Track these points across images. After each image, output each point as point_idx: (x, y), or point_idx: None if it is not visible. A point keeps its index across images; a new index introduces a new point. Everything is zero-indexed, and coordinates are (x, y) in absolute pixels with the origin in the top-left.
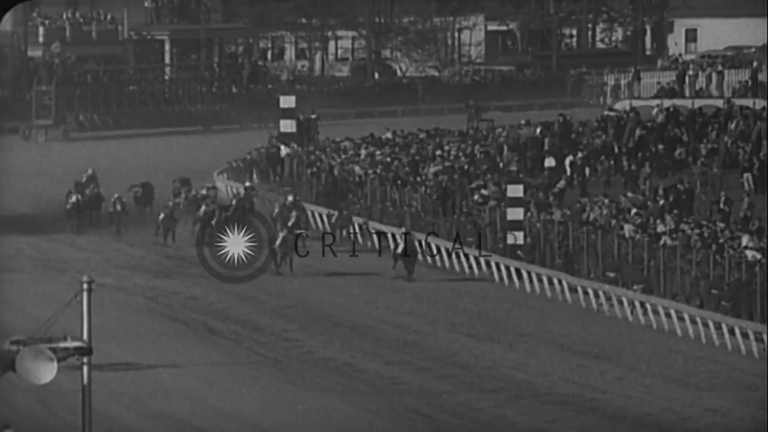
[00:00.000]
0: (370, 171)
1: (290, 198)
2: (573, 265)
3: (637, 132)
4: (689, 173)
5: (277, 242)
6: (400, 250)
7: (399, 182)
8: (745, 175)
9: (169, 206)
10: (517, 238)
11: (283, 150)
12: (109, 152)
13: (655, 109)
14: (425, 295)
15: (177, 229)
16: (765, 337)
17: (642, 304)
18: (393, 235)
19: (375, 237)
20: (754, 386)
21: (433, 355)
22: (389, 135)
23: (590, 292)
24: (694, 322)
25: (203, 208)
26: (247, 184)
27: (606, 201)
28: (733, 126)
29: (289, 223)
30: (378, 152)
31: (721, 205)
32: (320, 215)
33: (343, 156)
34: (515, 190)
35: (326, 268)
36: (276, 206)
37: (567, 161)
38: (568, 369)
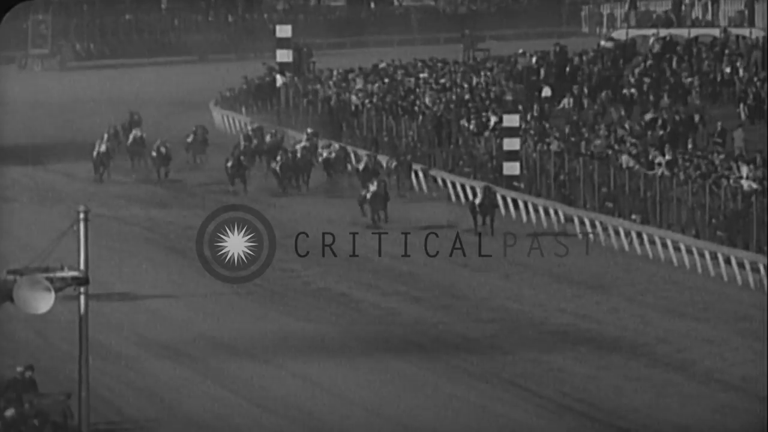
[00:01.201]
0: (366, 101)
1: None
2: (570, 196)
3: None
4: (685, 104)
5: (368, 195)
6: (478, 201)
7: (397, 112)
8: (741, 105)
9: (236, 153)
10: (514, 168)
11: (279, 80)
12: (105, 82)
13: (652, 39)
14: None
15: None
16: (761, 267)
17: (638, 235)
18: (472, 188)
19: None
20: (750, 317)
21: (429, 286)
22: (384, 65)
23: (587, 222)
24: (689, 252)
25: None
26: (309, 130)
27: (603, 131)
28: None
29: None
30: (374, 83)
31: (716, 137)
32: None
33: (341, 85)
34: (511, 120)
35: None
36: (363, 159)
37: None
38: (564, 299)
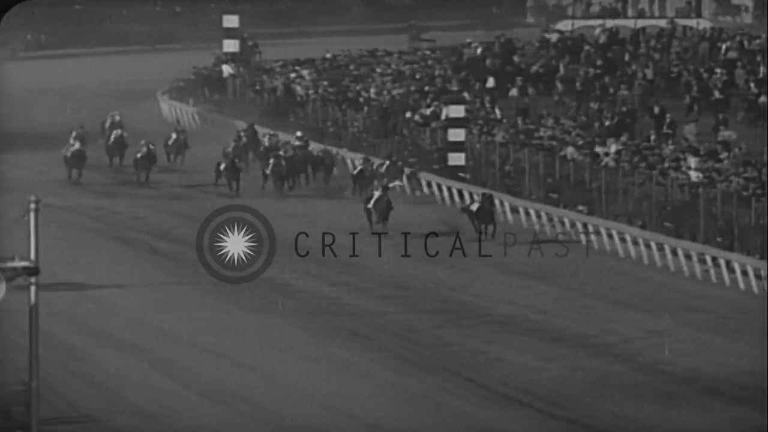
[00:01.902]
0: (311, 91)
1: (387, 162)
2: (515, 187)
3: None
4: (632, 95)
5: (371, 202)
6: (474, 208)
7: (342, 103)
8: (687, 96)
9: (229, 153)
10: (459, 159)
11: (226, 70)
12: (57, 72)
13: (598, 30)
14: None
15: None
16: (708, 258)
17: (584, 225)
18: (470, 194)
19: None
20: (696, 308)
21: (375, 276)
22: (330, 55)
23: (532, 212)
24: (636, 243)
25: (272, 160)
26: (299, 133)
27: (551, 122)
28: (676, 46)
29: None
30: (317, 73)
31: (665, 128)
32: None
33: (287, 76)
34: (457, 111)
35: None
36: (358, 164)
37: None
38: (509, 290)
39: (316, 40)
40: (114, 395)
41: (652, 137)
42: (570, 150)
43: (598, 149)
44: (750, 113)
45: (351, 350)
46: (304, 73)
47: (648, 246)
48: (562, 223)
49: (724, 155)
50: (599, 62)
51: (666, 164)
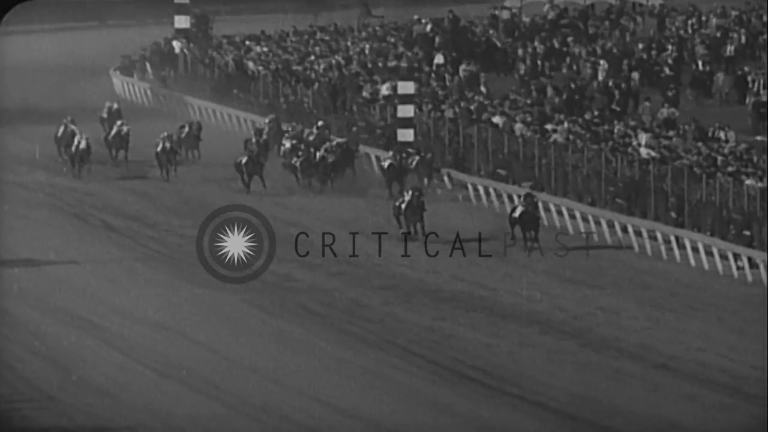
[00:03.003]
0: (260, 68)
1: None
2: (463, 163)
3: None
4: (583, 72)
5: (403, 206)
6: (517, 213)
7: (293, 79)
8: (633, 73)
9: (253, 147)
10: (407, 135)
11: (177, 46)
12: (7, 49)
13: (546, 6)
14: (317, 193)
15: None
16: (658, 234)
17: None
18: (509, 196)
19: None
20: (647, 285)
21: (327, 254)
22: (281, 32)
23: (480, 189)
24: (585, 219)
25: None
26: (320, 122)
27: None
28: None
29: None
30: (269, 49)
31: (614, 106)
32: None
33: (237, 52)
34: (406, 87)
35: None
36: (385, 162)
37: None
38: (458, 267)
39: (267, 17)
40: (70, 372)
41: (604, 114)
42: (519, 126)
43: (548, 126)
44: (696, 90)
45: (302, 326)
46: (257, 49)
47: (598, 223)
48: (511, 199)
49: (671, 133)
50: (548, 40)
51: (616, 141)
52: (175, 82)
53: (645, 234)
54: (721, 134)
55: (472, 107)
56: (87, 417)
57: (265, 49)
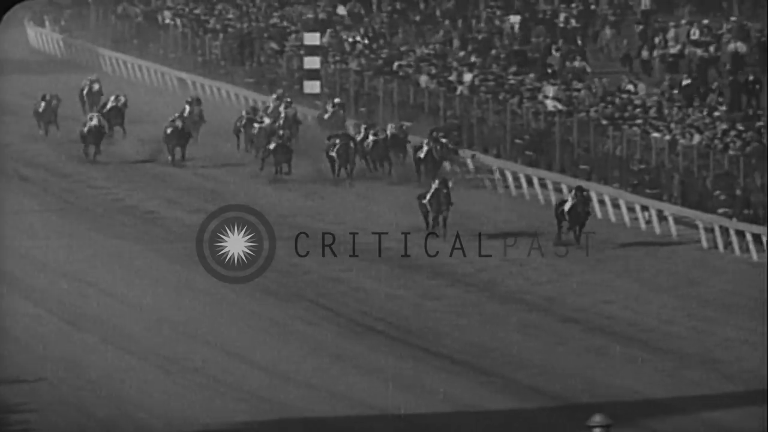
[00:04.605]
0: (171, 20)
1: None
2: (371, 114)
3: None
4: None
5: (428, 196)
6: (567, 207)
7: (201, 29)
8: (539, 27)
9: (285, 133)
10: (314, 87)
11: None
12: None
13: None
14: (229, 142)
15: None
16: (564, 187)
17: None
18: (555, 185)
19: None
20: (552, 235)
21: (234, 202)
22: None
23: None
24: (491, 171)
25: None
26: (337, 100)
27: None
28: None
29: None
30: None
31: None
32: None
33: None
34: (312, 38)
35: None
36: (424, 146)
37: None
38: (367, 219)
39: None
40: None
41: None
42: (424, 78)
43: (452, 77)
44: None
45: (211, 278)
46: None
47: (503, 175)
48: (416, 150)
49: (579, 85)
50: None
51: (521, 93)
52: (87, 31)
53: (550, 186)
54: (630, 87)
55: (376, 58)
56: None
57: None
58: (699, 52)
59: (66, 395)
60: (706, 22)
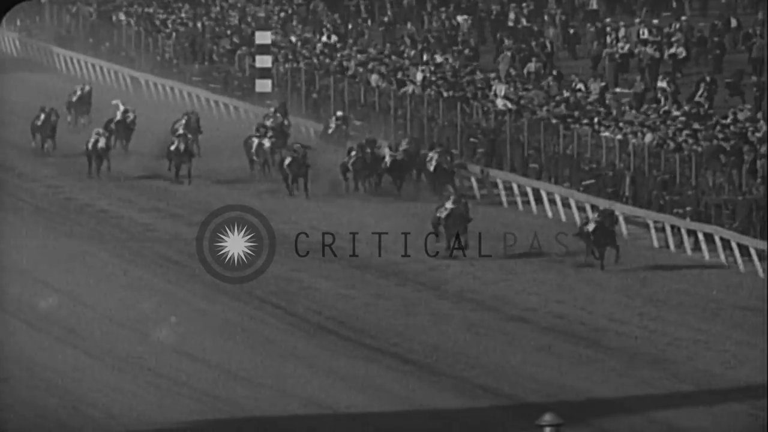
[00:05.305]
0: (124, 18)
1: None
2: (320, 112)
3: None
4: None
5: (444, 215)
6: (591, 227)
7: (154, 29)
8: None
9: (299, 149)
10: (265, 86)
11: None
12: None
13: None
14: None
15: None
16: (514, 186)
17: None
18: (578, 205)
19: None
20: (502, 236)
21: (186, 202)
22: None
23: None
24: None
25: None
26: (339, 113)
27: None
28: None
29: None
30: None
31: (467, 51)
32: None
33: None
34: (263, 37)
35: None
36: (433, 160)
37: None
38: (316, 218)
39: None
40: None
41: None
42: (375, 77)
43: (401, 75)
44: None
45: (162, 276)
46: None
47: (453, 172)
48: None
49: (529, 86)
50: None
51: (473, 91)
52: (42, 31)
53: (500, 185)
54: (581, 86)
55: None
56: None
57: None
58: (650, 51)
59: (22, 395)
60: (656, 21)
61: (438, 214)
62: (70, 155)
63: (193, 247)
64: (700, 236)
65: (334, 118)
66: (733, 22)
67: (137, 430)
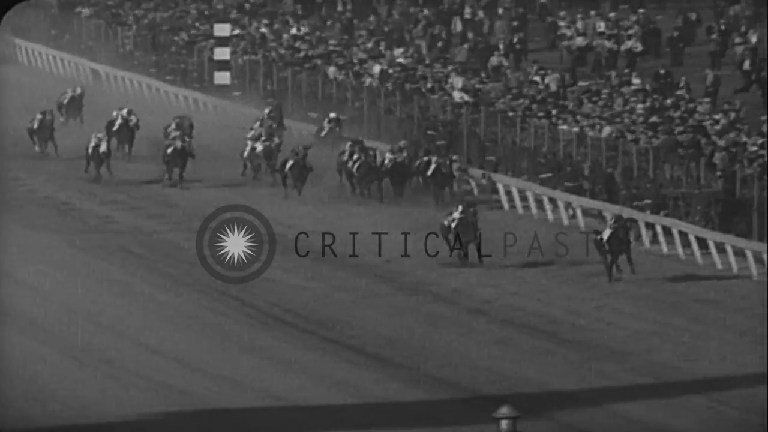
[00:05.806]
0: (85, 10)
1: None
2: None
3: None
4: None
5: (453, 224)
6: (606, 236)
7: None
8: (455, 18)
9: (300, 151)
10: (224, 78)
11: None
12: None
13: None
14: (146, 136)
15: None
16: (472, 182)
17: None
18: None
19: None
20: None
21: (145, 194)
22: None
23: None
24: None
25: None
26: (332, 114)
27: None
28: None
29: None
30: None
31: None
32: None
33: None
34: (222, 29)
35: None
36: (432, 164)
37: None
38: (276, 210)
39: None
40: None
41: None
42: (332, 69)
43: (359, 68)
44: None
45: (122, 268)
46: None
47: (410, 164)
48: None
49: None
50: None
51: (431, 84)
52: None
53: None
54: (538, 78)
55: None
56: None
57: None
58: (608, 44)
59: None
60: (612, 15)
61: (446, 223)
62: (30, 153)
63: (151, 240)
64: (659, 229)
65: (326, 120)
66: (693, 16)
67: (96, 421)
